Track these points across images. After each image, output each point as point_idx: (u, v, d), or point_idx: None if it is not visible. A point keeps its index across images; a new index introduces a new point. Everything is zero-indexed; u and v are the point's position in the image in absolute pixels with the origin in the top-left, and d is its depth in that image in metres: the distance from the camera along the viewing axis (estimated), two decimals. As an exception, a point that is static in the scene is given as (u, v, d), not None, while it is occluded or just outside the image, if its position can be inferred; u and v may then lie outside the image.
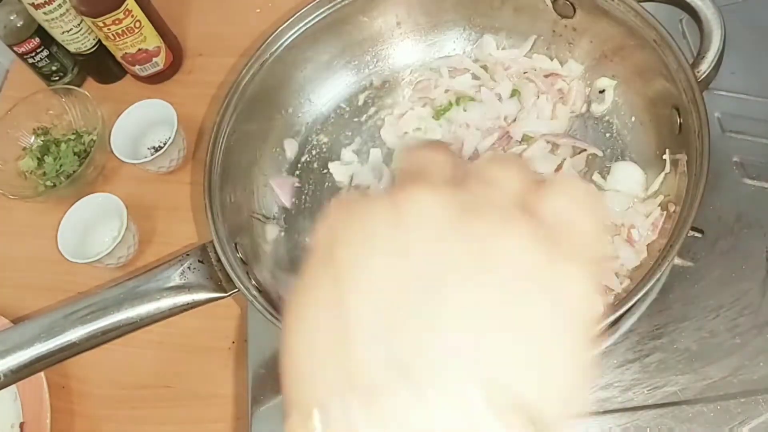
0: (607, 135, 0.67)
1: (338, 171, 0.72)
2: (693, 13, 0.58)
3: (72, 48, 0.85)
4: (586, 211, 0.24)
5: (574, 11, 0.67)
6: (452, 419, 0.20)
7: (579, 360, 0.22)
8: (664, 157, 0.61)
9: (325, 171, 0.73)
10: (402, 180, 0.25)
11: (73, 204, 0.76)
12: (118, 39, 0.81)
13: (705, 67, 0.56)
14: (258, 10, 0.90)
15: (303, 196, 0.72)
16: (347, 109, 0.76)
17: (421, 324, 0.21)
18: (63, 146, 0.84)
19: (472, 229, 0.22)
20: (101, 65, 0.89)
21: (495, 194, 0.23)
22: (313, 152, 0.75)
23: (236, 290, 0.57)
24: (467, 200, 0.23)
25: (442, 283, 0.21)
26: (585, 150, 0.66)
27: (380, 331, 0.21)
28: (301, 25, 0.69)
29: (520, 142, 0.68)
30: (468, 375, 0.20)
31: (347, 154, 0.73)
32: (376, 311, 0.21)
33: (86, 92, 0.84)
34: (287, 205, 0.72)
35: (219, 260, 0.58)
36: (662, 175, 0.61)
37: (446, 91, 0.73)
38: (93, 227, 0.77)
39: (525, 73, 0.72)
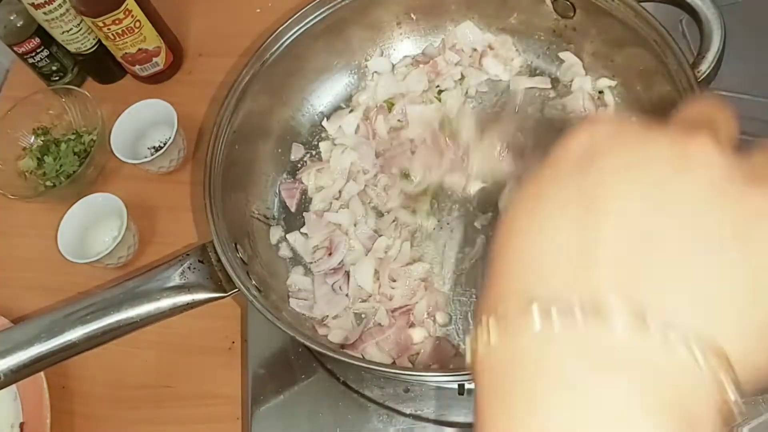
0: (607, 135, 0.67)
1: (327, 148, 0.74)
2: (693, 13, 0.58)
3: (72, 48, 0.85)
4: None
5: (574, 11, 0.67)
6: (662, 359, 0.21)
7: None
8: (664, 157, 0.60)
9: (325, 171, 0.73)
10: (686, 126, 0.25)
11: (73, 204, 0.76)
12: (118, 39, 0.81)
13: (705, 67, 0.56)
14: (258, 10, 0.90)
15: (303, 196, 0.72)
16: (347, 109, 0.76)
17: (665, 271, 0.22)
18: (63, 146, 0.84)
19: (744, 202, 0.22)
20: (101, 65, 0.89)
21: None
22: (313, 152, 0.75)
23: (236, 290, 0.57)
24: (749, 170, 0.23)
25: (699, 241, 0.22)
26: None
27: (626, 261, 0.22)
28: (301, 25, 0.69)
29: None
30: (692, 328, 0.21)
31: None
32: (629, 241, 0.22)
33: (86, 92, 0.84)
34: (292, 209, 0.72)
35: (219, 260, 0.58)
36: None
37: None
38: (93, 227, 0.77)
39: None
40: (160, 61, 0.86)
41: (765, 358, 0.22)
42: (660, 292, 0.22)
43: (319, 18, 0.70)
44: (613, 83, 0.68)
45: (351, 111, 0.75)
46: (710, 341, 0.21)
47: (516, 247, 0.24)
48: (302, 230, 0.70)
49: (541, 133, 0.68)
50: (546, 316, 0.22)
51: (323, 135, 0.75)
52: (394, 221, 0.68)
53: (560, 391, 0.21)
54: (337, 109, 0.76)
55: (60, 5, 0.79)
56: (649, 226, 0.22)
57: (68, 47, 0.85)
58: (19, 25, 0.83)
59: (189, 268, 0.57)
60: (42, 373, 0.67)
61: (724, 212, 0.22)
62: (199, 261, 0.58)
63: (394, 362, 0.61)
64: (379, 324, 0.63)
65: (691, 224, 0.22)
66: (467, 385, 0.58)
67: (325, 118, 0.75)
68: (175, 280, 0.56)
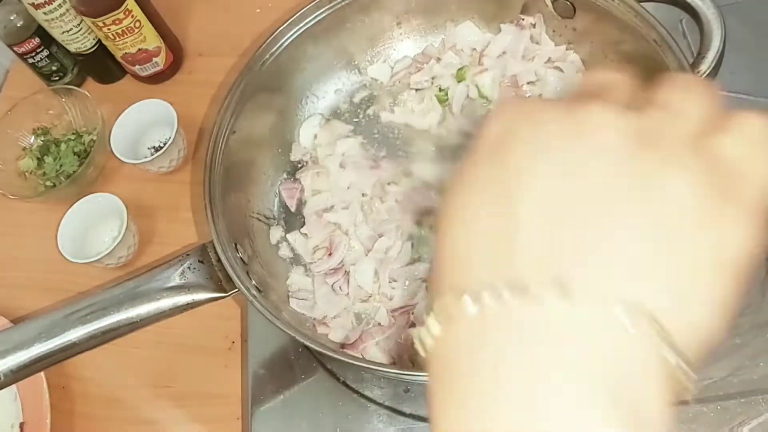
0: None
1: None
2: (693, 13, 0.58)
3: (72, 48, 0.85)
4: (762, 162, 0.23)
5: (574, 12, 0.67)
6: (591, 330, 0.21)
7: (725, 303, 0.22)
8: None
9: (324, 171, 0.73)
10: (582, 97, 0.25)
11: (73, 204, 0.76)
12: (118, 39, 0.81)
13: (705, 67, 0.56)
14: (258, 10, 0.90)
15: (303, 196, 0.72)
16: (347, 108, 0.76)
17: (582, 238, 0.22)
18: (63, 146, 0.84)
19: (645, 159, 0.22)
20: (101, 65, 0.89)
21: (674, 125, 0.23)
22: (313, 153, 0.74)
23: (236, 290, 0.57)
24: (645, 127, 0.23)
25: (608, 205, 0.22)
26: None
27: (543, 236, 0.22)
28: (301, 25, 0.69)
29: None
30: (618, 293, 0.21)
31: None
32: (542, 217, 0.23)
33: (86, 92, 0.84)
34: (292, 209, 0.72)
35: (219, 260, 0.58)
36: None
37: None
38: (93, 227, 0.77)
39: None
40: (160, 61, 0.86)
41: (697, 316, 0.22)
42: (580, 262, 0.22)
43: (318, 18, 0.70)
44: (613, 83, 0.68)
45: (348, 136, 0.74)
46: (635, 303, 0.21)
47: (446, 242, 0.25)
48: (302, 230, 0.70)
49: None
50: (478, 303, 0.22)
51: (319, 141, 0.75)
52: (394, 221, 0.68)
53: (502, 375, 0.21)
54: (336, 109, 0.76)
55: (60, 5, 0.79)
56: (558, 198, 0.23)
57: (68, 47, 0.85)
58: (19, 25, 0.83)
59: (189, 268, 0.57)
60: (42, 373, 0.67)
61: (619, 174, 0.22)
62: (199, 261, 0.58)
63: (394, 362, 0.61)
64: (379, 324, 0.63)
65: (591, 189, 0.22)
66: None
67: (319, 126, 0.75)
68: (175, 280, 0.56)
